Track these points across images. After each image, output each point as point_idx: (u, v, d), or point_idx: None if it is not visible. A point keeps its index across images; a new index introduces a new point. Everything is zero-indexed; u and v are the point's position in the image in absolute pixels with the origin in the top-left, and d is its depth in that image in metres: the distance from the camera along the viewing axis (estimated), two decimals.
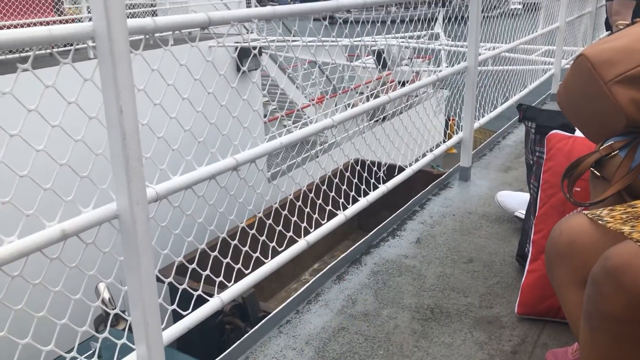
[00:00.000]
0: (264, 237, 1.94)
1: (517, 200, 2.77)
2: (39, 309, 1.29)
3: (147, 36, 1.38)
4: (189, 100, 1.52)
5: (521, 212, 2.66)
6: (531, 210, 2.13)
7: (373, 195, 2.50)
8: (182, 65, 1.49)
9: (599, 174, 1.45)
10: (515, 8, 5.23)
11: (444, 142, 3.26)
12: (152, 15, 9.44)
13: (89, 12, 7.14)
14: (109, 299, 3.89)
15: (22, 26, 7.22)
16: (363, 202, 2.42)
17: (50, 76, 1.17)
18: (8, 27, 7.17)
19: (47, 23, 7.68)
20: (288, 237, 2.05)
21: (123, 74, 1.25)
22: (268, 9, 1.72)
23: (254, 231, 1.90)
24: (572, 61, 1.51)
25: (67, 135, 1.29)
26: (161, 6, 9.08)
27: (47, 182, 1.28)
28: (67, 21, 7.93)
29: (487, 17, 4.11)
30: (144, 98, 1.40)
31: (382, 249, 2.53)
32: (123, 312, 1.53)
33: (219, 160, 1.70)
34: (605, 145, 1.41)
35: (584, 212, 1.37)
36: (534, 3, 5.04)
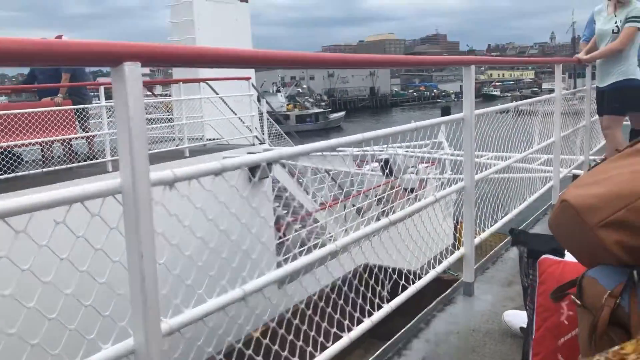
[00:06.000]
0: None
1: (524, 320, 2.82)
2: None
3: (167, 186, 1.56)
4: (202, 240, 1.68)
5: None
6: (529, 332, 2.20)
7: (378, 315, 2.57)
8: (198, 208, 1.66)
9: (579, 302, 1.56)
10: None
11: (454, 245, 3.37)
12: (170, 128, 9.98)
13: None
14: None
15: (46, 143, 7.66)
16: (368, 323, 2.49)
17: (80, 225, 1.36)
18: (33, 145, 7.59)
19: (70, 140, 8.10)
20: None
21: (145, 223, 1.42)
22: (275, 153, 1.92)
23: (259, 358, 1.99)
24: (557, 203, 1.66)
25: (92, 278, 1.44)
26: (178, 121, 9.59)
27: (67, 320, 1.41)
28: (90, 137, 8.37)
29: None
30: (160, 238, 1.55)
31: None
32: None
33: (227, 292, 1.82)
34: (606, 302, 1.46)
35: None
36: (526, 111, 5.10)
